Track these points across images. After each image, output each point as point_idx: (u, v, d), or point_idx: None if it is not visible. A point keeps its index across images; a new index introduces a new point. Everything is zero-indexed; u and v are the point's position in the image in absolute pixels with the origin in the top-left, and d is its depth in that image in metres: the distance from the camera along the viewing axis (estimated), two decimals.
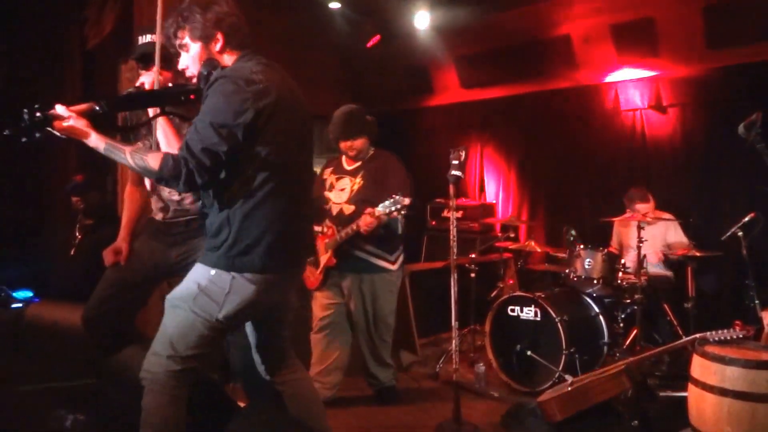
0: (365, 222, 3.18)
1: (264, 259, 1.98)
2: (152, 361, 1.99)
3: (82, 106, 1.94)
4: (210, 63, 2.03)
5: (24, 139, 1.83)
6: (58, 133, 1.89)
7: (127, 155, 1.93)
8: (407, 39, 5.69)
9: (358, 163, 3.46)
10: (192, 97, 2.08)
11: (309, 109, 2.18)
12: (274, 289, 2.07)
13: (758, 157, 2.34)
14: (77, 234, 4.18)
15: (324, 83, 6.48)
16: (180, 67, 2.11)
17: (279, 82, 2.02)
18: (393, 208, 3.07)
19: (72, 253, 4.15)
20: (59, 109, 1.89)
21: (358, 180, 3.41)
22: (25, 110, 1.83)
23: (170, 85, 2.20)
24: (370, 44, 5.61)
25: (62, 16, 4.38)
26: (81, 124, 1.91)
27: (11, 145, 1.89)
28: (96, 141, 1.93)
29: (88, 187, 3.94)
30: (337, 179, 3.48)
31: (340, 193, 3.43)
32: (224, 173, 1.96)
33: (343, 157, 3.53)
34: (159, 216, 2.65)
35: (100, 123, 1.96)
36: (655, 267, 4.32)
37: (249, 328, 2.29)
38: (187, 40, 2.04)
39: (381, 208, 3.10)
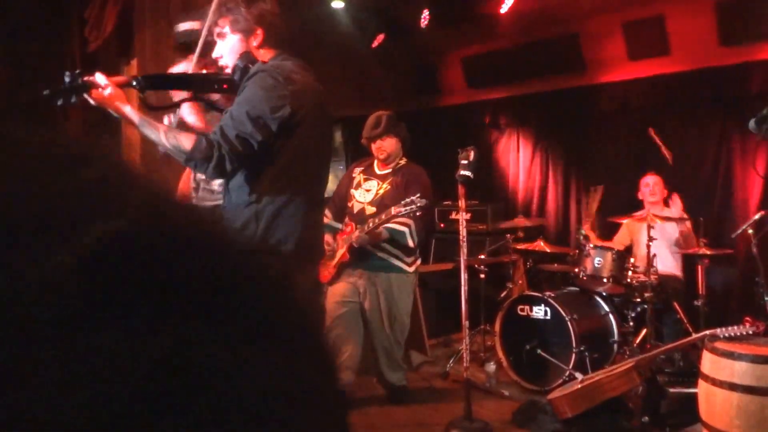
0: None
1: (291, 255, 2.03)
2: None
3: (120, 78, 1.97)
4: (247, 57, 2.06)
5: (60, 102, 1.84)
6: (93, 102, 1.91)
7: (161, 133, 1.96)
8: (413, 38, 5.73)
9: (389, 170, 3.56)
10: (225, 87, 2.11)
11: (330, 111, 2.25)
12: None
13: None
14: None
15: (329, 83, 6.50)
16: (214, 55, 2.14)
17: (313, 85, 2.08)
18: (408, 210, 3.12)
19: None
20: (99, 77, 1.91)
21: (386, 185, 3.49)
22: (68, 73, 1.86)
23: (205, 72, 2.22)
24: (374, 44, 5.64)
25: (62, 20, 4.44)
26: (119, 94, 1.92)
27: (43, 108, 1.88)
28: (131, 113, 1.94)
29: None
30: (365, 179, 3.57)
31: (365, 193, 3.52)
32: (255, 168, 2.00)
33: (376, 161, 3.61)
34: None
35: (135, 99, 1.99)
36: (666, 266, 4.32)
37: None
38: (227, 29, 2.08)
39: (396, 209, 3.16)
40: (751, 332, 2.84)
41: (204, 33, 2.19)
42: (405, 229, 3.36)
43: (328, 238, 3.59)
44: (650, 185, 4.42)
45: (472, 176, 3.13)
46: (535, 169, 5.94)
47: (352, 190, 3.57)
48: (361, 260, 3.44)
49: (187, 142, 1.94)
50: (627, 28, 4.92)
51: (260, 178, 2.01)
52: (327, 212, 3.70)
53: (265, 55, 2.10)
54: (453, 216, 5.60)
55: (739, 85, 4.53)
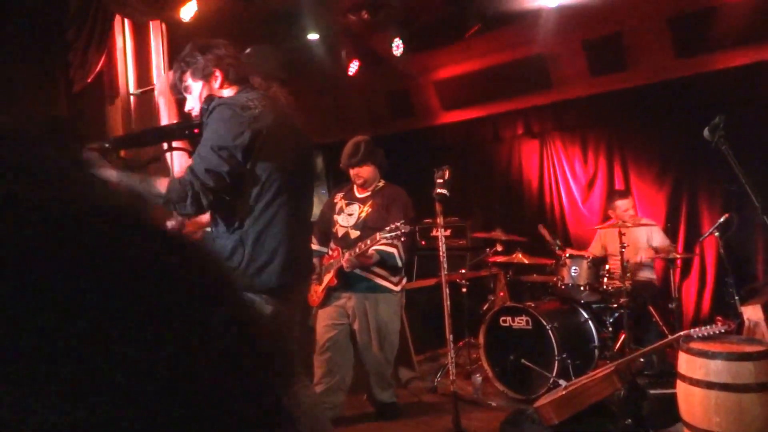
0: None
1: (278, 276, 2.10)
2: None
3: (94, 145, 2.09)
4: (210, 99, 2.17)
5: None
6: None
7: (136, 184, 2.08)
8: (387, 65, 5.88)
9: (368, 193, 3.64)
10: (196, 131, 2.20)
11: (305, 134, 2.33)
12: (287, 305, 2.19)
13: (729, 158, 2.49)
14: None
15: (308, 112, 6.63)
16: (186, 109, 2.26)
17: (274, 109, 2.17)
18: (393, 234, 3.20)
19: None
20: None
21: (367, 208, 3.57)
22: None
23: (175, 121, 2.32)
24: (350, 72, 5.79)
25: (47, 62, 4.51)
26: (94, 157, 2.03)
27: None
28: (108, 174, 2.03)
29: None
30: (347, 204, 3.65)
31: (348, 217, 3.60)
32: (230, 197, 2.09)
33: (356, 185, 3.68)
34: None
35: (111, 160, 2.09)
36: (640, 271, 4.46)
37: None
38: (189, 81, 2.21)
39: (380, 234, 3.23)
40: (723, 331, 2.95)
41: (157, 94, 2.29)
42: (394, 250, 3.45)
43: (315, 262, 3.67)
44: (619, 209, 4.45)
45: (448, 194, 3.23)
46: (510, 183, 6.11)
47: (335, 216, 3.65)
48: (349, 283, 3.51)
49: (161, 186, 2.04)
50: (587, 47, 5.14)
51: (240, 203, 2.10)
52: (312, 238, 3.78)
53: (228, 93, 2.22)
54: (434, 233, 5.71)
55: (696, 94, 4.76)
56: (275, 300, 2.10)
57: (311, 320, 3.78)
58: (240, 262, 2.09)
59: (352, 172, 3.63)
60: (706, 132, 2.46)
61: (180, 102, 2.31)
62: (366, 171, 3.61)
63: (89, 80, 4.16)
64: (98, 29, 3.99)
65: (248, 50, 2.66)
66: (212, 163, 2.01)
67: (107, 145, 2.11)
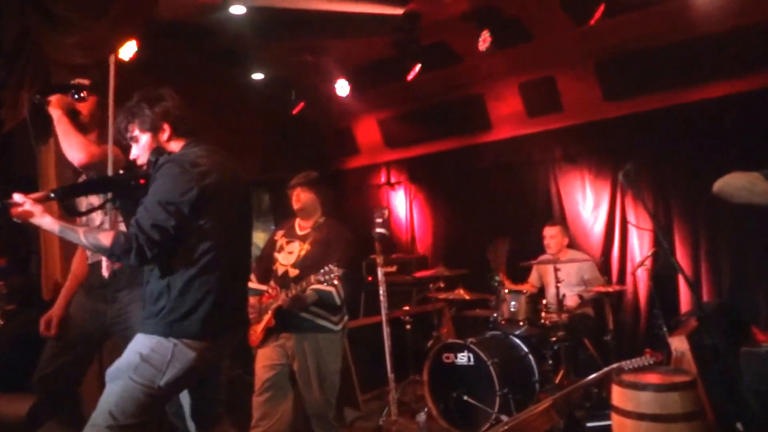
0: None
1: (201, 325, 2.10)
2: None
3: (38, 194, 2.11)
4: (158, 151, 2.22)
5: None
6: (15, 219, 2.05)
7: (81, 235, 2.08)
8: (331, 104, 5.98)
9: (309, 229, 3.61)
10: (142, 182, 2.22)
11: (247, 186, 2.39)
12: (212, 354, 2.17)
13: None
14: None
15: (252, 149, 6.65)
16: (131, 157, 2.30)
17: (221, 164, 2.22)
18: (325, 278, 3.20)
19: None
20: (17, 197, 2.06)
21: (306, 245, 3.53)
22: None
23: (122, 171, 2.36)
24: (295, 111, 5.85)
25: None
26: (37, 209, 2.06)
27: None
28: (51, 224, 2.08)
29: (11, 271, 3.86)
30: (288, 242, 3.62)
31: (288, 255, 3.56)
32: (174, 249, 2.10)
33: (296, 222, 3.67)
34: (89, 259, 2.82)
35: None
36: (576, 304, 4.60)
37: (184, 394, 2.33)
38: (136, 132, 2.26)
39: (315, 277, 3.22)
40: (652, 362, 3.05)
41: (110, 141, 2.39)
42: (332, 289, 3.42)
43: (253, 301, 3.62)
44: (546, 237, 4.76)
45: (387, 234, 3.29)
46: (454, 220, 6.23)
47: (276, 254, 3.61)
48: (288, 322, 3.46)
49: (105, 239, 2.06)
50: (523, 89, 5.38)
51: (175, 252, 2.11)
52: (252, 276, 3.74)
53: (176, 146, 2.27)
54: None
55: (624, 136, 5.03)
56: (199, 347, 2.09)
57: (251, 367, 3.71)
58: (162, 308, 2.10)
59: (293, 194, 3.62)
60: (620, 176, 2.62)
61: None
62: (306, 197, 3.58)
63: (20, 120, 4.06)
64: (30, 69, 3.90)
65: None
66: (158, 218, 2.04)
67: (53, 195, 2.11)
